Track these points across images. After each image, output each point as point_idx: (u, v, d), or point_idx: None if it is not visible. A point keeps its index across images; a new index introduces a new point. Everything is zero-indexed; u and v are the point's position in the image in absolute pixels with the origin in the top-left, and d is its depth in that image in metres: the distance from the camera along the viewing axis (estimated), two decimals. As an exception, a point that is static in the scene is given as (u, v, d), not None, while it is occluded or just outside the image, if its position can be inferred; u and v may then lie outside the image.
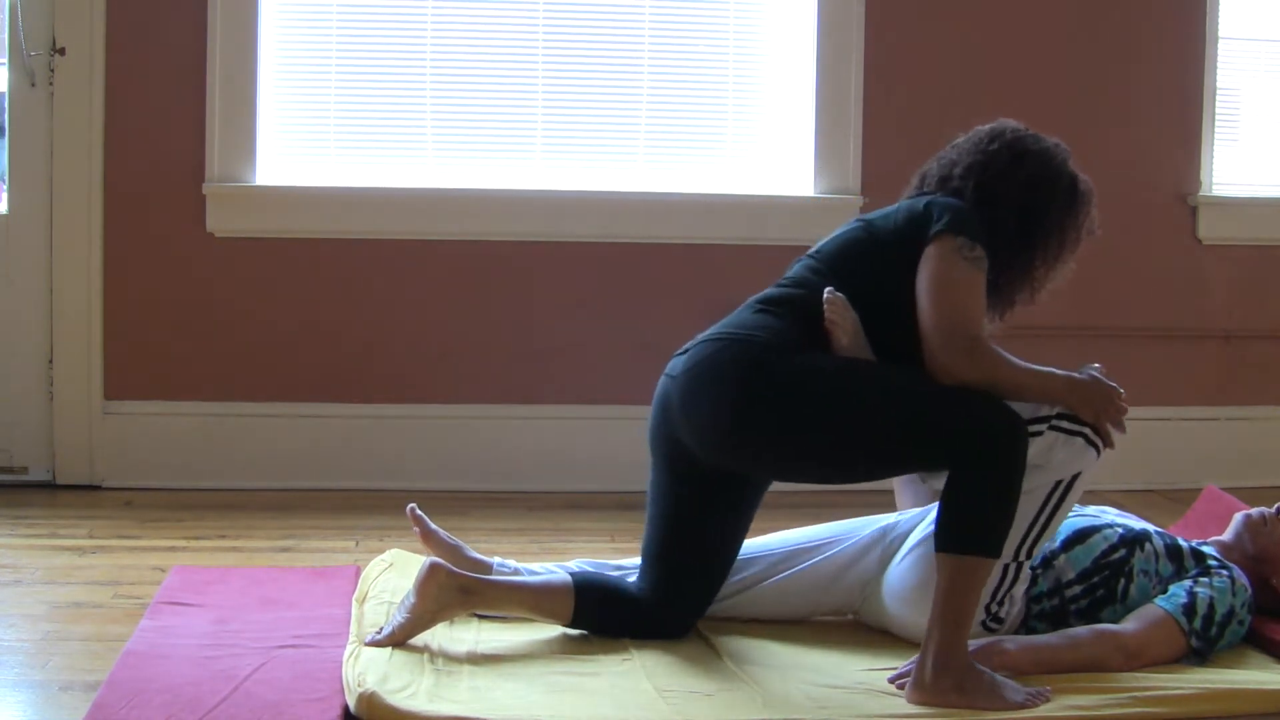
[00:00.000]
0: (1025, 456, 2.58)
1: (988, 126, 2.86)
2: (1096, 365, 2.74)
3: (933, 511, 2.83)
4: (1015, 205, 2.76)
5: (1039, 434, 2.64)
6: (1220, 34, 4.56)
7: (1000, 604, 2.72)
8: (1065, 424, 2.65)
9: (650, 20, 4.40)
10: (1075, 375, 2.69)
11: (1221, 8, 4.54)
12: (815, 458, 2.68)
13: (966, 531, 2.55)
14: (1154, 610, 2.74)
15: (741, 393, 2.63)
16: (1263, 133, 4.71)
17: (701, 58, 4.43)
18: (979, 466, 2.55)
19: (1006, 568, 2.69)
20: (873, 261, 2.76)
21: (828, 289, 2.72)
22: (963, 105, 4.44)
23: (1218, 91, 4.58)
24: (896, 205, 2.84)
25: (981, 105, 4.38)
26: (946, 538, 2.56)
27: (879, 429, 2.62)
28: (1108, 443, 2.69)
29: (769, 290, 2.82)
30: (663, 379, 2.81)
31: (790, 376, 2.63)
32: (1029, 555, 2.70)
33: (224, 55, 4.18)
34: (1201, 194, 4.57)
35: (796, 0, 4.41)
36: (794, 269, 2.86)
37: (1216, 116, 4.59)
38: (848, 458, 2.67)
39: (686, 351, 2.76)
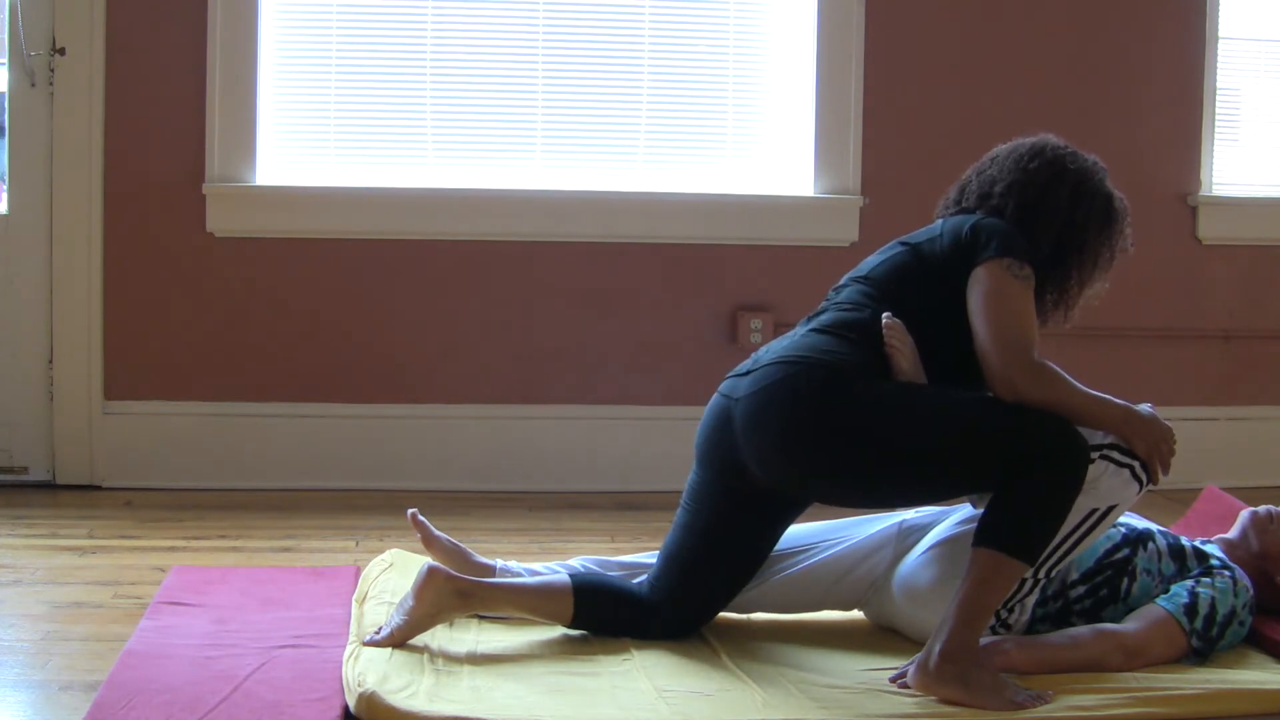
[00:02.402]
0: (1085, 478, 2.60)
1: (1029, 142, 2.87)
2: (1149, 404, 2.76)
3: (954, 514, 2.87)
4: (1054, 224, 2.79)
5: (1091, 461, 2.65)
6: (1220, 34, 4.56)
7: (1010, 610, 2.72)
8: (1116, 454, 2.67)
9: (650, 20, 4.40)
10: (1133, 407, 2.71)
11: (1221, 8, 4.54)
12: (889, 480, 2.69)
13: (1012, 532, 2.56)
14: (1155, 610, 2.74)
15: (815, 417, 2.64)
16: (1263, 133, 4.71)
17: (701, 58, 4.43)
18: (1041, 475, 2.57)
19: (1024, 580, 2.68)
20: (922, 285, 2.78)
21: (886, 314, 2.73)
22: (963, 106, 4.45)
23: (1218, 91, 4.58)
24: (939, 227, 2.85)
25: (981, 105, 4.42)
26: (991, 534, 2.57)
27: (955, 450, 2.63)
28: (1154, 479, 2.70)
29: (829, 314, 2.81)
30: (719, 398, 2.79)
31: (863, 401, 2.64)
32: (1049, 574, 2.70)
33: (224, 55, 4.18)
34: (1201, 194, 4.57)
35: (796, 0, 4.41)
36: (844, 292, 2.86)
37: (1216, 116, 4.59)
38: (923, 479, 2.68)
39: (748, 373, 2.75)
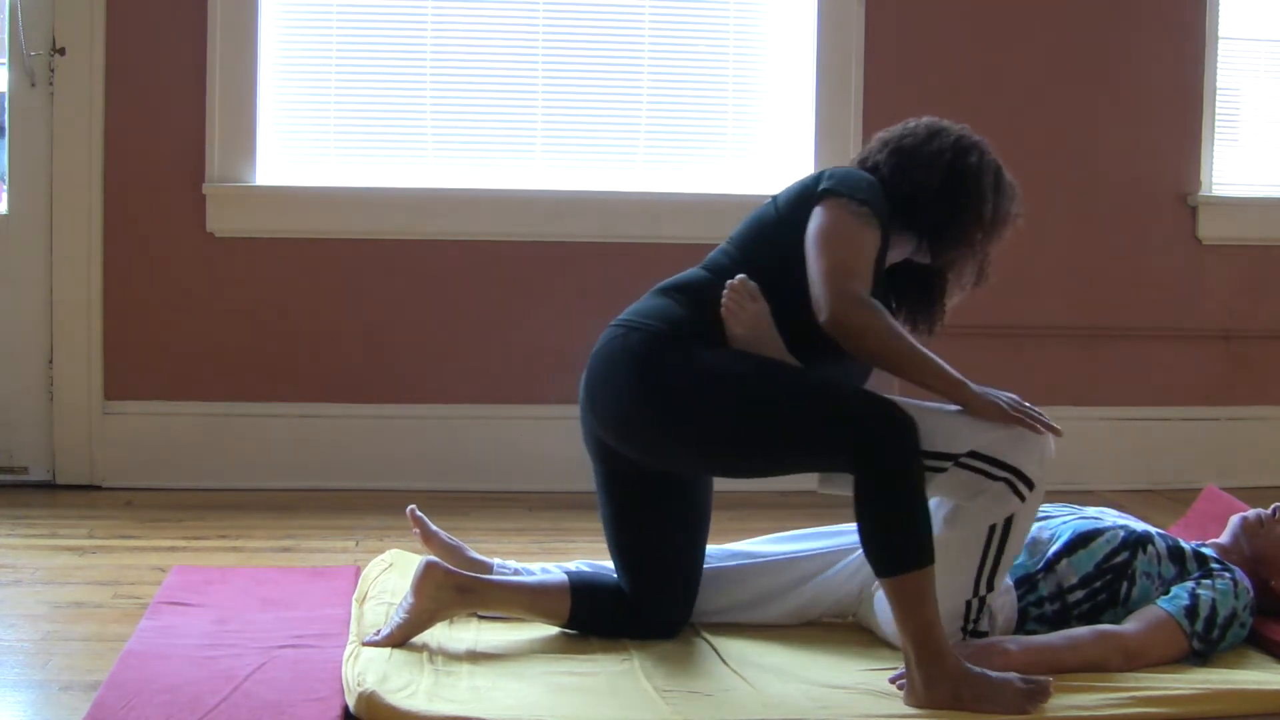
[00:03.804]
0: (914, 454, 2.50)
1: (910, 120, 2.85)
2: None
3: None
4: (938, 172, 2.71)
5: (942, 470, 2.56)
6: (1220, 34, 4.56)
7: (976, 622, 2.68)
8: (977, 464, 2.56)
9: (650, 20, 4.40)
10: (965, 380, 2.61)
11: (1221, 8, 4.54)
12: (703, 454, 2.67)
13: (888, 554, 2.50)
14: (1156, 612, 2.74)
15: (635, 385, 2.63)
16: (1263, 133, 4.71)
17: (701, 58, 4.43)
18: (870, 479, 2.50)
19: (970, 603, 2.65)
20: (775, 234, 2.74)
21: (740, 275, 2.68)
22: (963, 106, 4.42)
23: (1218, 91, 4.58)
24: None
25: (981, 105, 4.42)
26: (875, 564, 2.53)
27: (759, 430, 2.58)
28: (1051, 430, 2.58)
29: (680, 274, 2.81)
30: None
31: (677, 370, 2.61)
32: (990, 589, 2.65)
33: (224, 55, 4.18)
34: (1201, 194, 4.57)
35: (796, 0, 4.41)
36: (711, 252, 2.84)
37: (1216, 116, 4.59)
38: (732, 455, 2.65)
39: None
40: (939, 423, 2.58)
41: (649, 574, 2.79)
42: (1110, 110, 4.52)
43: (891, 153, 2.77)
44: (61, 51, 4.12)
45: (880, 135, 2.84)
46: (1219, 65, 4.57)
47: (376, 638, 2.65)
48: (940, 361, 2.58)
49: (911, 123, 2.82)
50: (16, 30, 4.10)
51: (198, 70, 4.18)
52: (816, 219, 2.65)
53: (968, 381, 2.60)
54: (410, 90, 4.33)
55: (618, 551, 2.82)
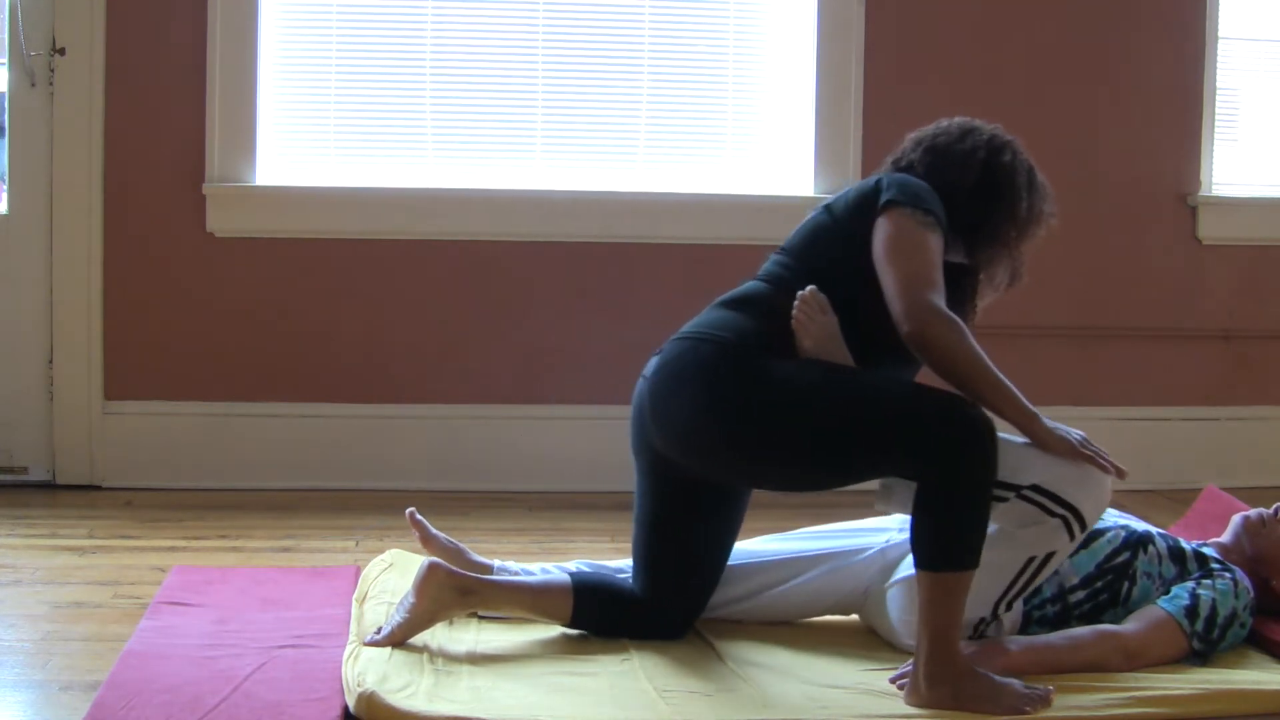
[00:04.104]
0: (992, 458, 2.50)
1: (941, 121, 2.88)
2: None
3: None
4: (973, 169, 2.74)
5: (1004, 499, 2.56)
6: (1220, 34, 4.56)
7: (982, 633, 2.70)
8: (1038, 498, 2.58)
9: (650, 20, 4.40)
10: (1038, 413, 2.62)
11: (1221, 8, 4.54)
12: (774, 466, 2.65)
13: (938, 549, 2.49)
14: (1156, 612, 2.74)
15: (703, 397, 2.62)
16: (1263, 133, 4.71)
17: (701, 58, 4.43)
18: (942, 473, 2.49)
19: (983, 619, 2.66)
20: (835, 244, 2.74)
21: (810, 287, 2.68)
22: (963, 106, 4.42)
23: (1218, 91, 4.58)
24: (851, 186, 2.84)
25: (981, 105, 4.39)
26: (920, 556, 2.52)
27: (834, 436, 2.57)
28: (1119, 474, 2.61)
29: (740, 286, 2.81)
30: (639, 380, 2.80)
31: (752, 381, 2.60)
32: (1007, 610, 2.67)
33: (224, 55, 4.18)
34: (1201, 194, 4.57)
35: (796, 0, 4.41)
36: (766, 264, 2.84)
37: (1216, 116, 4.59)
38: (806, 467, 2.63)
39: (660, 351, 2.76)
40: (1007, 452, 2.57)
41: (672, 580, 2.79)
42: (1110, 110, 4.52)
43: (925, 151, 2.79)
44: (61, 51, 4.12)
45: (913, 135, 2.86)
46: (1219, 65, 4.57)
47: (376, 637, 2.66)
48: (1016, 390, 2.58)
49: (944, 122, 2.84)
50: (16, 30, 4.10)
51: (198, 70, 4.18)
52: (883, 231, 2.65)
53: (1040, 414, 2.60)
54: (410, 90, 4.33)
55: (645, 556, 2.81)
